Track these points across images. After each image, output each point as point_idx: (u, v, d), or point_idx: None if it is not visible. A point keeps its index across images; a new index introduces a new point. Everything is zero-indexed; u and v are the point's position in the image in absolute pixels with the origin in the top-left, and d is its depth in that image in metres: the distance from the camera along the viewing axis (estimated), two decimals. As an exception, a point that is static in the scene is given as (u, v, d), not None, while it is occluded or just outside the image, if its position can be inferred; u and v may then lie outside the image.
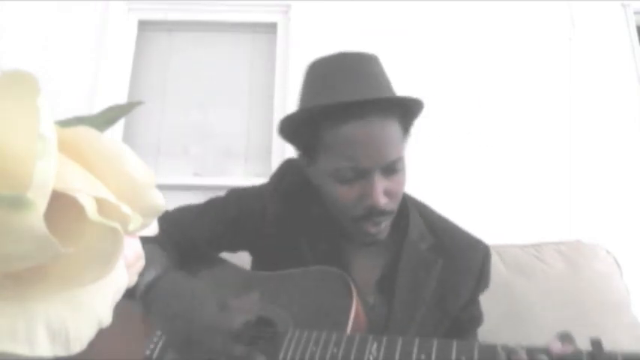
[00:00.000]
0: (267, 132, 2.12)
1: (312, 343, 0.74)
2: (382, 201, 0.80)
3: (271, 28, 2.26)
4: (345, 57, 0.86)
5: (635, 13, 2.25)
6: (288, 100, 2.05)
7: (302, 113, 0.85)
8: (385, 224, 0.85)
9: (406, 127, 0.85)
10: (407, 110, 0.84)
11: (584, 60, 2.16)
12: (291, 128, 0.86)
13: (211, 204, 0.99)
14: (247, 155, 2.15)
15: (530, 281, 1.37)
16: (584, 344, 0.65)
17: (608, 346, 0.63)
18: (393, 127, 0.81)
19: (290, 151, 0.96)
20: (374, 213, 0.81)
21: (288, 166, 1.00)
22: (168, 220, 0.93)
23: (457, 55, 2.14)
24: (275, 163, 2.00)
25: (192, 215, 0.97)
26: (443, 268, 0.90)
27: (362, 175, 0.80)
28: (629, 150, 2.05)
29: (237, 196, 0.99)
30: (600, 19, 2.22)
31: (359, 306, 0.81)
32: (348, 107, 0.79)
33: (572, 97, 2.11)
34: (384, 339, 0.72)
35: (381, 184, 0.80)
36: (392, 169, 0.81)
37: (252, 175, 2.06)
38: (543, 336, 0.68)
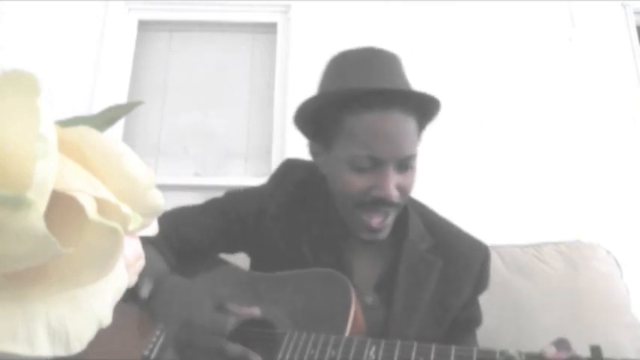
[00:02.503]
0: (267, 132, 2.12)
1: (310, 346, 0.75)
2: (394, 193, 0.80)
3: (271, 28, 2.26)
4: (372, 51, 0.87)
5: (635, 13, 2.25)
6: (288, 100, 2.05)
7: (327, 96, 0.84)
8: (390, 219, 0.85)
9: (421, 128, 0.86)
10: (425, 111, 0.84)
11: (584, 60, 2.16)
12: (311, 111, 0.85)
13: (209, 206, 0.98)
14: (247, 155, 2.15)
15: (530, 281, 1.37)
16: (584, 344, 0.64)
17: (608, 346, 0.63)
18: (412, 124, 0.82)
19: (290, 152, 0.96)
20: (381, 203, 0.81)
21: (288, 165, 1.00)
22: (166, 221, 0.93)
23: (457, 56, 2.14)
24: (275, 163, 2.00)
25: (190, 217, 0.96)
26: (443, 269, 0.90)
27: (377, 165, 0.80)
28: (628, 150, 2.05)
29: (235, 197, 0.99)
30: (600, 19, 2.22)
31: (358, 308, 0.81)
32: (374, 95, 0.79)
33: (571, 97, 2.11)
34: (383, 342, 0.73)
35: (394, 177, 0.80)
36: (406, 164, 0.82)
37: (252, 175, 2.06)
38: (543, 336, 0.68)
